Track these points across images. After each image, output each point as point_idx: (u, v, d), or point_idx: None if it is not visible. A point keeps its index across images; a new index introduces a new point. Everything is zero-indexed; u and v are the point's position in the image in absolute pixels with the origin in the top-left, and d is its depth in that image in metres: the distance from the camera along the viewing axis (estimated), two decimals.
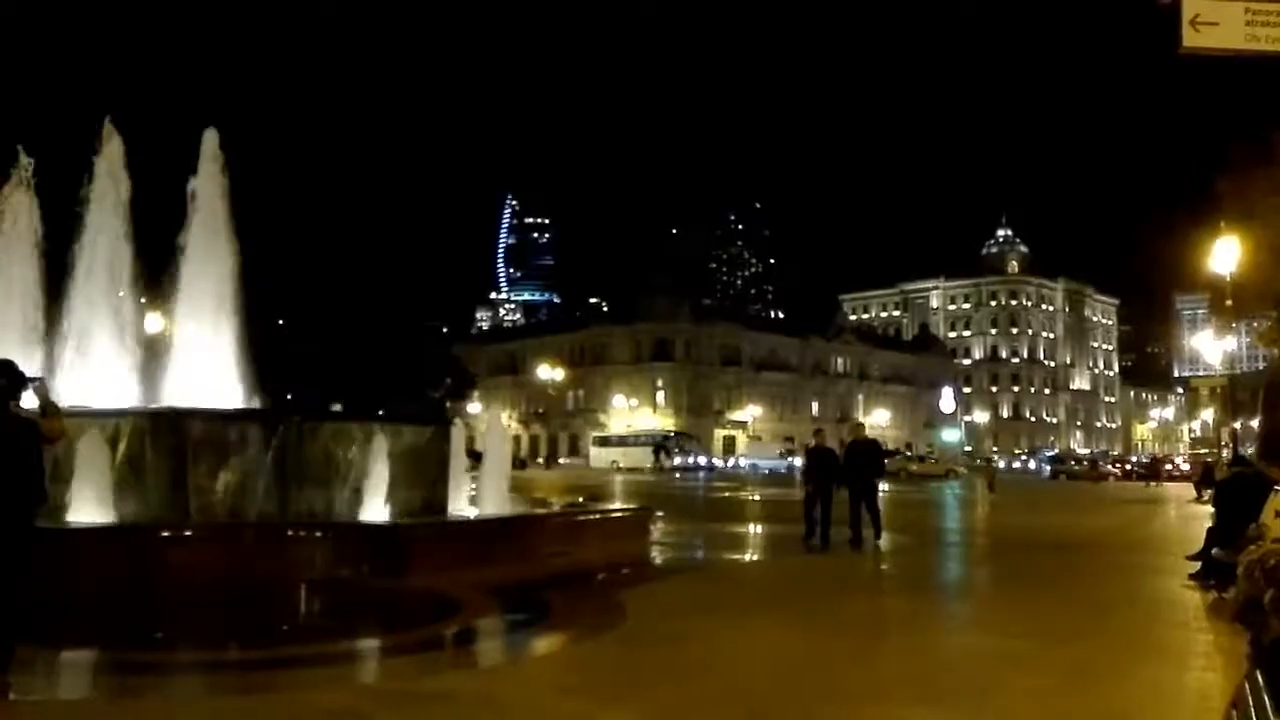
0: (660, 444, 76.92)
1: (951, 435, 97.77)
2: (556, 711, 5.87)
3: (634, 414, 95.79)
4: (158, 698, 6.21)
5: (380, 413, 14.64)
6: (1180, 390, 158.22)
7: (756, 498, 33.30)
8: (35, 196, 13.75)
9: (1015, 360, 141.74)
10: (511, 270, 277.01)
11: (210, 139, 14.64)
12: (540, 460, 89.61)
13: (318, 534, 10.96)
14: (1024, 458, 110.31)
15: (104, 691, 6.60)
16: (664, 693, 6.26)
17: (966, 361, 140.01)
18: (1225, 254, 23.81)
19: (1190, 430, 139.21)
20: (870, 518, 15.23)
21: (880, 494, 15.90)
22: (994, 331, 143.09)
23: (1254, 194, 28.94)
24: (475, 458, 16.42)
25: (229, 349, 14.40)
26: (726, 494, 35.72)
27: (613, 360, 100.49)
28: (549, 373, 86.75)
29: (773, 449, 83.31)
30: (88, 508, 10.52)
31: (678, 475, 59.75)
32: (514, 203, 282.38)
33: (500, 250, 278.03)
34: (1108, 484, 55.01)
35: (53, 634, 7.25)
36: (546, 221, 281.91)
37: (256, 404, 14.47)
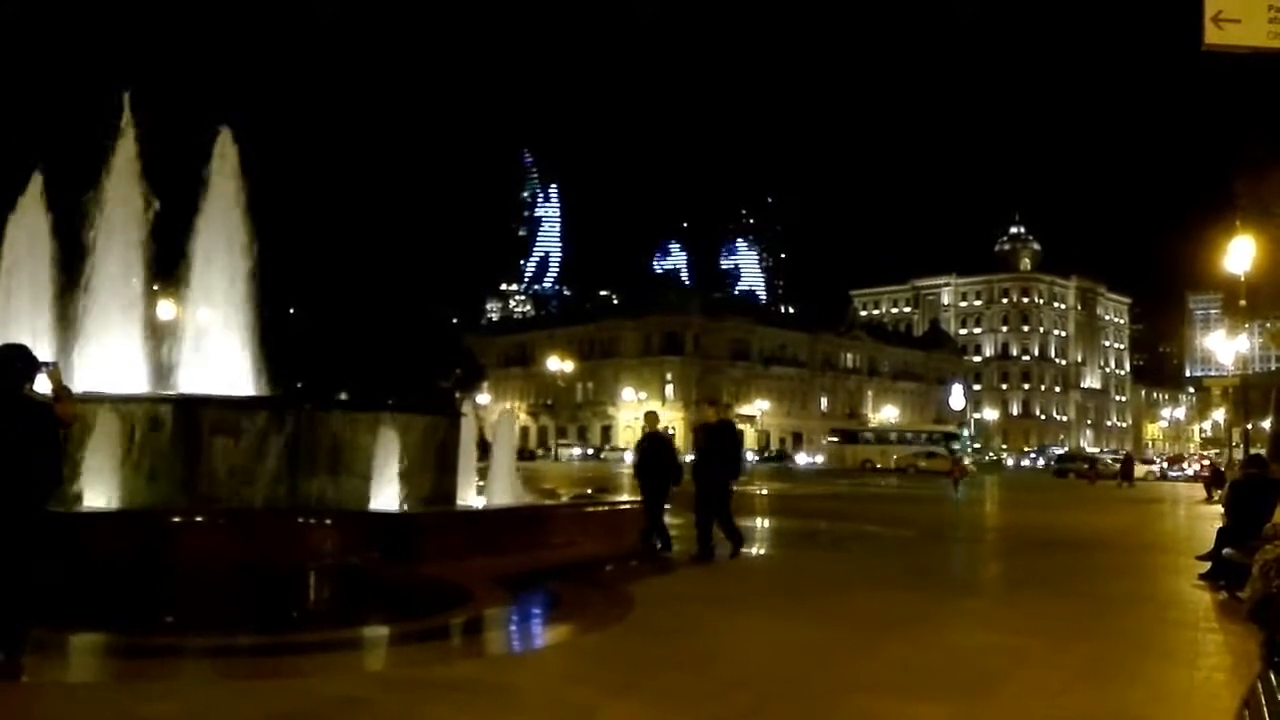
0: (950, 441, 67.21)
1: (961, 432, 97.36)
2: (565, 700, 5.89)
3: (642, 407, 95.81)
4: (168, 681, 6.24)
5: (390, 402, 14.65)
6: (1191, 390, 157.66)
7: (764, 492, 33.31)
8: (47, 182, 13.83)
9: (1026, 358, 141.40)
10: (537, 261, 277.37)
11: (226, 142, 14.68)
12: (542, 452, 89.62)
13: (328, 521, 11.01)
14: (1033, 455, 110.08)
15: (115, 675, 6.64)
16: (671, 682, 6.27)
17: (977, 358, 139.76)
18: (1240, 254, 23.63)
19: (1201, 430, 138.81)
20: (720, 525, 12.50)
21: (729, 494, 12.80)
22: (1005, 329, 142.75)
23: (1270, 193, 28.74)
24: (484, 448, 16.45)
25: (240, 336, 14.45)
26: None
27: (622, 353, 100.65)
28: (558, 364, 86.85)
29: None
30: (100, 492, 10.59)
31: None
32: (527, 194, 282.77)
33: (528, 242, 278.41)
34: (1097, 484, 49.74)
35: (65, 617, 7.29)
36: (558, 212, 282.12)
37: (268, 391, 14.52)
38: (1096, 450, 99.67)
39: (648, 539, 12.85)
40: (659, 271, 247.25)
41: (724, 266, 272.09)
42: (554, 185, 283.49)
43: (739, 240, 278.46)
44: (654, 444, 13.31)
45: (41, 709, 5.62)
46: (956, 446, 65.26)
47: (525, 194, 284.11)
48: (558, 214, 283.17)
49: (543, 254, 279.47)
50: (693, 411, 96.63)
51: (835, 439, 77.17)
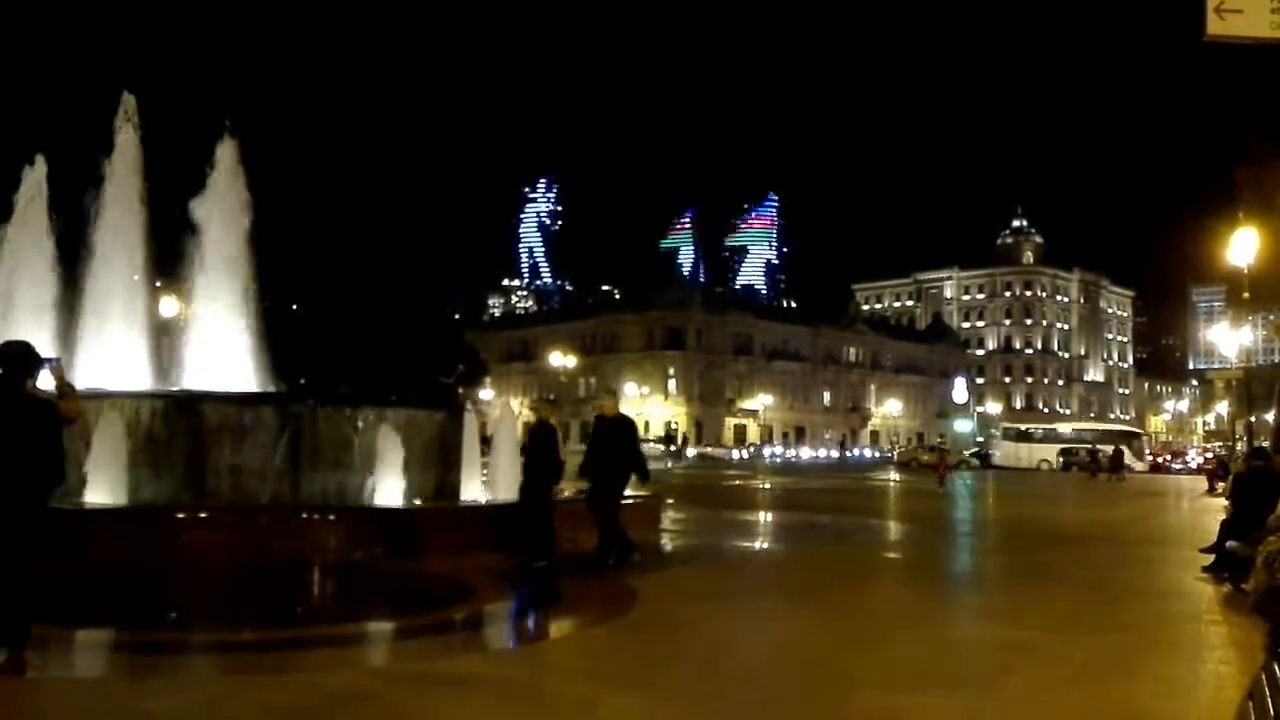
0: (1129, 439, 64.67)
1: (964, 426, 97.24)
2: (567, 694, 5.89)
3: (645, 402, 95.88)
4: (172, 677, 6.25)
5: (393, 398, 14.67)
6: (1195, 383, 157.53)
7: (767, 486, 33.33)
8: (49, 180, 13.85)
9: (1029, 351, 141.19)
10: (526, 257, 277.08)
11: (227, 140, 14.69)
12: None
13: (331, 517, 11.02)
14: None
15: (119, 671, 6.66)
16: (674, 677, 6.27)
17: (980, 352, 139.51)
18: (1243, 246, 23.53)
19: (1204, 423, 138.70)
20: (602, 530, 10.79)
21: (620, 498, 11.10)
22: (1008, 322, 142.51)
23: (1273, 185, 28.67)
24: (487, 443, 16.43)
25: (243, 333, 14.46)
26: (737, 482, 35.72)
27: (624, 348, 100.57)
28: (561, 359, 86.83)
29: None
30: (104, 489, 10.61)
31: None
32: (529, 190, 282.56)
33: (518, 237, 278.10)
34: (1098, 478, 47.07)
35: (69, 613, 7.31)
36: (560, 208, 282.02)
37: (271, 388, 14.53)
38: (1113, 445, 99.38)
39: (530, 549, 10.67)
40: (661, 266, 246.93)
41: (727, 260, 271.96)
42: (558, 179, 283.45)
43: (743, 235, 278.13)
44: (535, 436, 11.62)
45: (46, 705, 5.64)
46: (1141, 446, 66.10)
47: (526, 189, 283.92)
48: (561, 207, 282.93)
49: (529, 248, 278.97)
50: (695, 406, 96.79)
51: (1010, 437, 74.08)
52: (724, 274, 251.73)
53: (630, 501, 17.17)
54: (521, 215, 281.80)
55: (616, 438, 11.12)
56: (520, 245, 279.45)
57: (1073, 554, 14.48)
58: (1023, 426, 76.34)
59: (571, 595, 9.57)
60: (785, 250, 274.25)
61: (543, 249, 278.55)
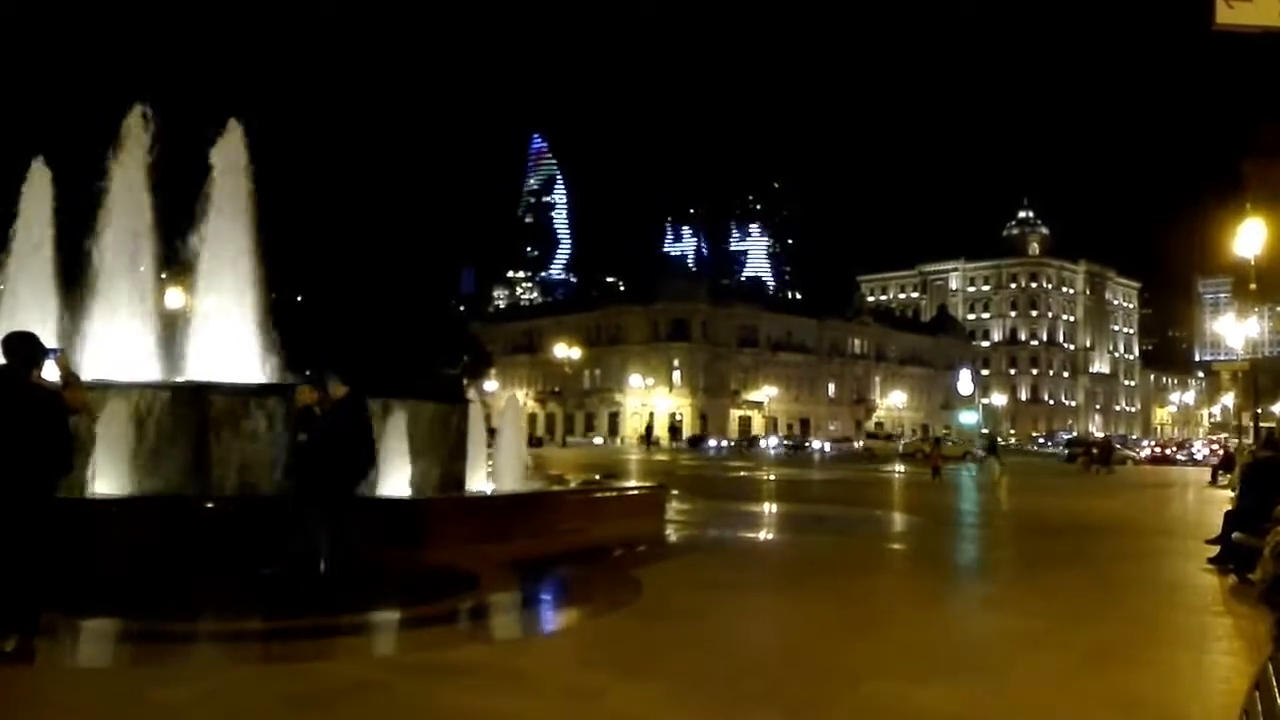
0: None
1: (969, 418, 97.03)
2: (574, 683, 5.90)
3: (650, 393, 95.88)
4: (179, 666, 6.28)
5: (399, 389, 14.65)
6: (1201, 374, 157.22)
7: (771, 478, 33.33)
8: (54, 170, 13.85)
9: (1034, 343, 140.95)
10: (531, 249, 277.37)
11: (233, 126, 14.66)
12: (551, 438, 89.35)
13: None
14: (1042, 440, 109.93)
15: (126, 660, 6.69)
16: (681, 666, 6.28)
17: (985, 344, 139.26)
18: (1250, 237, 23.44)
19: (1210, 415, 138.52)
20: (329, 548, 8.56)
21: (348, 501, 9.00)
22: (1013, 314, 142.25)
23: None
24: (492, 435, 16.46)
25: (249, 323, 14.45)
26: (741, 474, 35.72)
27: (629, 340, 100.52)
28: (565, 351, 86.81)
29: None
30: (109, 479, 10.63)
31: None
32: (535, 181, 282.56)
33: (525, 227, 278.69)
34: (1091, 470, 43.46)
35: (76, 603, 7.33)
36: (564, 199, 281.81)
37: (276, 378, 14.53)
38: (1103, 435, 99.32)
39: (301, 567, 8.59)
40: (666, 258, 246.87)
41: (731, 252, 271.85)
42: (562, 172, 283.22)
43: (747, 226, 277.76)
44: (301, 422, 9.58)
45: (54, 693, 5.66)
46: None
47: (533, 181, 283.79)
48: (566, 200, 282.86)
49: (550, 240, 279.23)
50: (700, 398, 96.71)
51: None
52: (728, 266, 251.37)
53: (636, 492, 17.24)
54: (550, 202, 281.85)
55: (353, 422, 9.14)
56: (543, 233, 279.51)
57: (1077, 544, 14.46)
58: None
59: (577, 585, 9.59)
60: (791, 241, 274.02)
61: (568, 239, 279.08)
